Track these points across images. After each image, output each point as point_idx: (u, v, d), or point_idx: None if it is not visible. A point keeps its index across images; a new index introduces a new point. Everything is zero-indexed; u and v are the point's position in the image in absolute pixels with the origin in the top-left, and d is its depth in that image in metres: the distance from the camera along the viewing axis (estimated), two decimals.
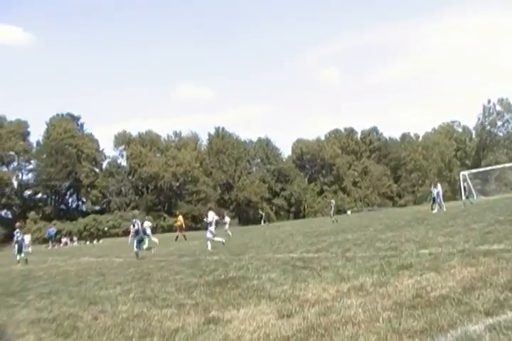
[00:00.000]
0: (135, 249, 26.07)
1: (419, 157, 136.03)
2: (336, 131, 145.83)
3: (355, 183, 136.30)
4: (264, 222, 61.56)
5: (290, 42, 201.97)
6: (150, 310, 9.52)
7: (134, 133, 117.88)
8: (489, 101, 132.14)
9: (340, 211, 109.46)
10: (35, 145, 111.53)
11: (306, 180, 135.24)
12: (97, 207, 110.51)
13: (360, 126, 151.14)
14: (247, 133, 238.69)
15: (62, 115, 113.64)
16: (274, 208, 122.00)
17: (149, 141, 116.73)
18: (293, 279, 11.12)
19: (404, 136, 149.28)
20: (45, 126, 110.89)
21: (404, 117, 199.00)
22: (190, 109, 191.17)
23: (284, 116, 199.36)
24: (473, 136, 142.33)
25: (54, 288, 15.27)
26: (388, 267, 10.93)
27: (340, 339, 6.02)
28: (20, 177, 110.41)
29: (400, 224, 26.98)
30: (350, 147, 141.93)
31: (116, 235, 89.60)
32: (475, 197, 55.35)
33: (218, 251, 23.32)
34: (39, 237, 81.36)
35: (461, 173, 69.06)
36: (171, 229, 77.25)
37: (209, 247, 25.86)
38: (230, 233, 42.79)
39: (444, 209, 38.02)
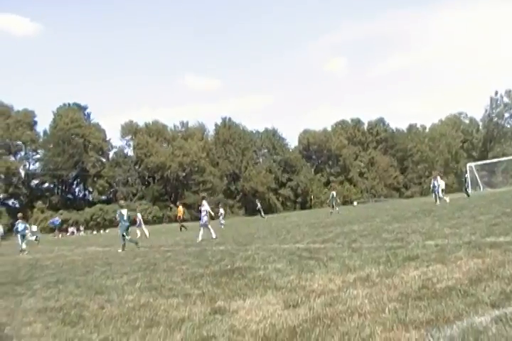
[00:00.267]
0: (122, 240, 26.10)
1: (425, 148, 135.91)
2: (343, 122, 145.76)
3: (361, 174, 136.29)
4: (261, 214, 61.33)
5: (297, 32, 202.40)
6: (156, 300, 9.52)
7: (141, 123, 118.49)
8: (496, 93, 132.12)
9: (346, 202, 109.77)
10: (42, 134, 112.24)
11: (313, 170, 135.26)
12: (104, 197, 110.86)
13: (367, 117, 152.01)
14: (253, 123, 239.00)
15: (69, 105, 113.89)
16: (280, 198, 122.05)
17: (156, 131, 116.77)
18: (299, 269, 11.11)
19: (411, 127, 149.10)
20: (52, 116, 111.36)
21: (412, 108, 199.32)
22: (197, 98, 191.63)
23: (290, 106, 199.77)
24: (480, 127, 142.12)
25: (61, 277, 15.28)
26: (394, 258, 10.91)
27: (346, 330, 6.01)
28: (27, 166, 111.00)
29: (406, 216, 26.95)
30: (357, 138, 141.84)
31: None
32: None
33: (224, 241, 23.36)
34: (46, 227, 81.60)
35: (468, 165, 69.15)
36: (177, 219, 77.46)
37: (199, 238, 26.05)
38: (223, 223, 43.04)
39: (438, 203, 37.73)
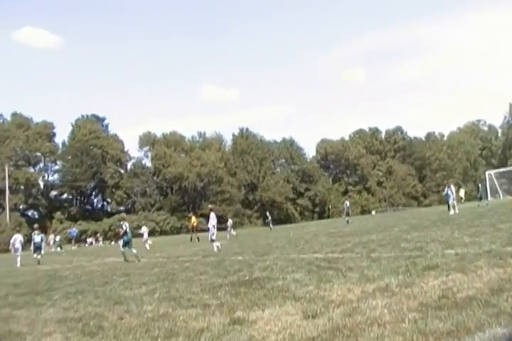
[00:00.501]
0: (121, 249, 26.68)
1: (444, 156, 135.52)
2: (360, 131, 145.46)
3: (379, 183, 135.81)
4: (269, 226, 61.97)
5: (315, 41, 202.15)
6: (175, 310, 9.53)
7: (159, 134, 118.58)
8: None
9: (364, 211, 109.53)
10: (60, 146, 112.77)
11: (331, 180, 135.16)
12: (122, 208, 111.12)
13: (384, 126, 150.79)
14: (271, 133, 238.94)
15: (88, 116, 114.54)
16: (298, 208, 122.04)
17: (174, 141, 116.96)
18: (318, 280, 11.09)
19: (429, 136, 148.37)
20: (71, 127, 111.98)
21: (429, 116, 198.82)
22: (215, 109, 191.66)
23: (308, 116, 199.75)
24: (499, 134, 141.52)
25: (80, 287, 15.34)
26: (413, 268, 10.86)
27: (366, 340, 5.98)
28: (46, 177, 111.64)
29: (425, 224, 26.83)
30: (375, 147, 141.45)
31: (141, 235, 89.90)
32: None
33: (242, 251, 23.34)
34: (65, 237, 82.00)
35: (487, 172, 68.79)
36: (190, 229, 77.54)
37: (215, 249, 26.14)
38: (234, 233, 43.08)
39: (451, 212, 37.34)
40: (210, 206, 31.56)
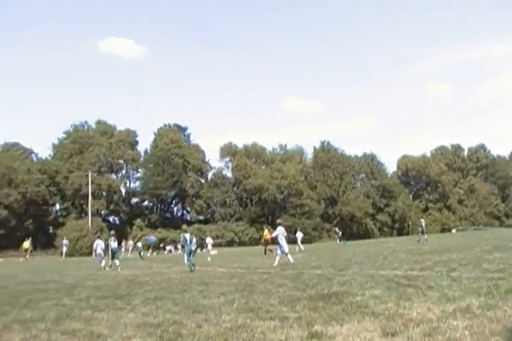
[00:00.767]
0: (186, 261, 27.46)
1: None
2: (443, 148, 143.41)
3: (460, 201, 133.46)
4: (340, 240, 62.58)
5: (400, 55, 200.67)
6: (253, 322, 9.58)
7: (240, 145, 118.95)
8: None
9: (444, 229, 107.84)
10: (142, 154, 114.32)
11: (411, 196, 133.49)
12: (201, 217, 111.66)
13: (467, 143, 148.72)
14: (352, 147, 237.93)
15: (170, 125, 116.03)
16: (377, 224, 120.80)
17: (255, 153, 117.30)
18: (397, 297, 11.02)
19: None
20: (153, 136, 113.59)
21: None
22: (297, 121, 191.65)
23: (391, 130, 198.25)
24: None
25: (159, 294, 15.58)
26: (496, 290, 10.68)
27: None
28: (128, 184, 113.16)
29: (508, 246, 26.35)
30: (457, 164, 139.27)
31: (220, 245, 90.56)
32: None
33: (321, 265, 23.29)
34: (144, 244, 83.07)
35: None
36: (273, 241, 77.56)
37: (277, 262, 26.25)
38: (302, 248, 42.91)
39: None
40: (278, 221, 31.60)
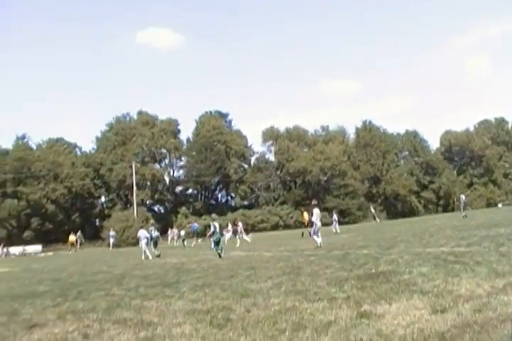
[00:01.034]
0: (213, 249, 28.39)
1: None
2: (486, 122, 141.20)
3: (506, 175, 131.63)
4: (375, 218, 62.71)
5: (437, 30, 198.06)
6: (302, 304, 9.58)
7: (282, 129, 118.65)
8: None
9: (490, 204, 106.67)
10: (185, 142, 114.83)
11: (455, 172, 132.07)
12: (246, 202, 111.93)
13: (511, 116, 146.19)
14: (394, 125, 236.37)
15: (211, 112, 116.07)
16: (422, 201, 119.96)
17: (297, 136, 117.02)
18: (445, 274, 10.95)
19: None
20: (195, 124, 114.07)
21: None
22: (337, 102, 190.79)
23: (431, 107, 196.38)
24: None
25: (207, 280, 15.65)
26: None
27: (499, 338, 5.87)
28: (171, 173, 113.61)
29: None
30: (501, 137, 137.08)
31: (265, 229, 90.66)
32: None
33: (367, 245, 23.25)
34: (189, 232, 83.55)
35: None
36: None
37: (318, 243, 26.29)
38: (338, 231, 42.71)
39: None
40: (313, 202, 31.37)
